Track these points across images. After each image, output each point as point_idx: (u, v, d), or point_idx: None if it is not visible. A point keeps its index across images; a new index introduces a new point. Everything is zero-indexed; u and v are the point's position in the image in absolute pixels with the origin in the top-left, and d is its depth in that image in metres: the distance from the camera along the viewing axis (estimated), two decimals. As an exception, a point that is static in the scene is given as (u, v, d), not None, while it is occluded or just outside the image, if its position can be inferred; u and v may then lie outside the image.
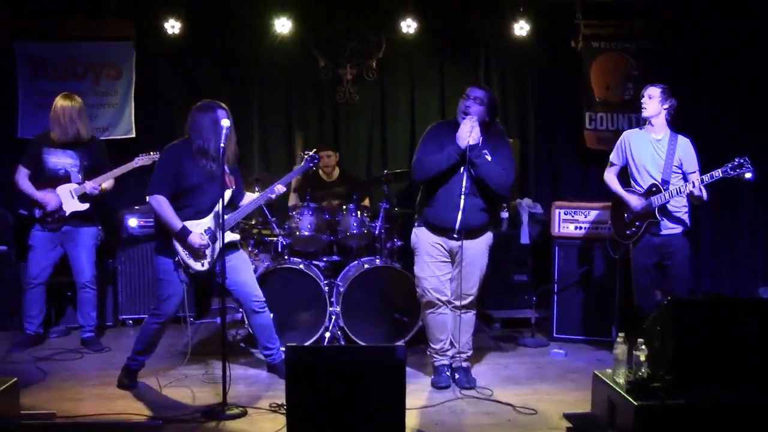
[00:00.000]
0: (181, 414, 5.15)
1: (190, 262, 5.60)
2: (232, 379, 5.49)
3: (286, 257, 7.10)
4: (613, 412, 4.45)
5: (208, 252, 5.62)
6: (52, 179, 6.69)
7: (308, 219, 7.07)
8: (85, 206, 6.76)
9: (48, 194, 6.66)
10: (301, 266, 6.88)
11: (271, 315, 6.04)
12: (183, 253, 5.58)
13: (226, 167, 5.51)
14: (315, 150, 6.45)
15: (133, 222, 7.86)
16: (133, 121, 8.26)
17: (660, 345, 4.47)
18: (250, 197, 6.06)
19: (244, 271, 5.86)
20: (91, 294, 6.98)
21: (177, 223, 5.49)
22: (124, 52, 8.24)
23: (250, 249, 7.47)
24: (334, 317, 6.86)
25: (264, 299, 5.91)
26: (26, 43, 8.14)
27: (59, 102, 6.68)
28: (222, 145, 5.28)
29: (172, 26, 8.11)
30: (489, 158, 5.59)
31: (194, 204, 5.58)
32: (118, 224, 7.92)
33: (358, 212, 7.17)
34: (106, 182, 6.79)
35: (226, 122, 5.36)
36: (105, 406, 5.36)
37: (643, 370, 4.41)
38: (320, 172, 8.08)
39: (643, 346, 4.46)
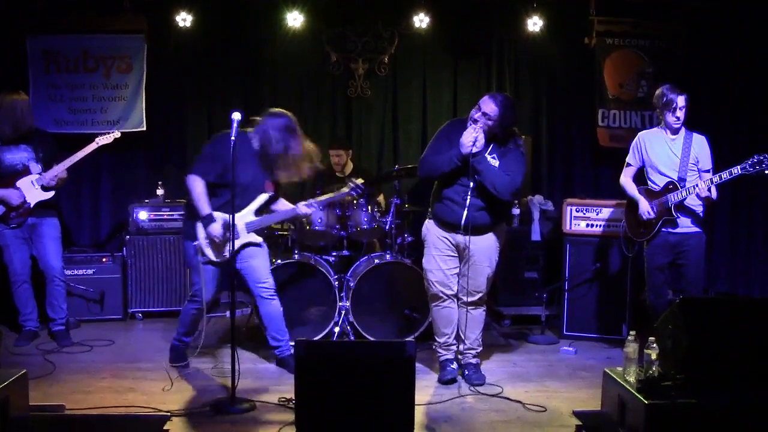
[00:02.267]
0: (190, 407, 5.16)
1: (207, 250, 5.85)
2: (242, 373, 5.48)
3: (296, 252, 7.08)
4: (623, 411, 4.42)
5: (226, 247, 5.78)
6: (11, 176, 6.61)
7: (319, 214, 7.04)
8: (50, 194, 6.69)
9: (9, 190, 6.58)
10: (311, 261, 6.86)
11: (281, 309, 6.10)
12: (203, 239, 5.82)
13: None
14: (362, 181, 6.49)
15: (142, 215, 7.86)
16: (144, 114, 8.24)
17: (672, 344, 4.43)
18: (284, 204, 6.20)
19: (258, 257, 6.02)
20: (62, 287, 6.94)
21: (206, 207, 5.74)
22: (136, 45, 8.21)
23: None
24: (343, 312, 6.85)
25: (275, 287, 6.04)
26: (38, 36, 8.11)
27: (8, 98, 6.58)
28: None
29: (184, 20, 8.09)
30: (497, 162, 5.59)
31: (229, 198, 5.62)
32: (128, 217, 7.93)
33: (369, 207, 7.15)
34: (62, 172, 6.70)
35: (237, 115, 5.33)
36: (114, 398, 5.37)
37: (654, 369, 4.38)
38: (333, 167, 8.06)
39: (655, 345, 4.43)
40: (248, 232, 5.91)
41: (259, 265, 6.01)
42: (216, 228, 5.73)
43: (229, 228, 5.52)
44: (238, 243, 5.83)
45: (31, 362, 6.15)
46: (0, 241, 6.75)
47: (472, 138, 5.43)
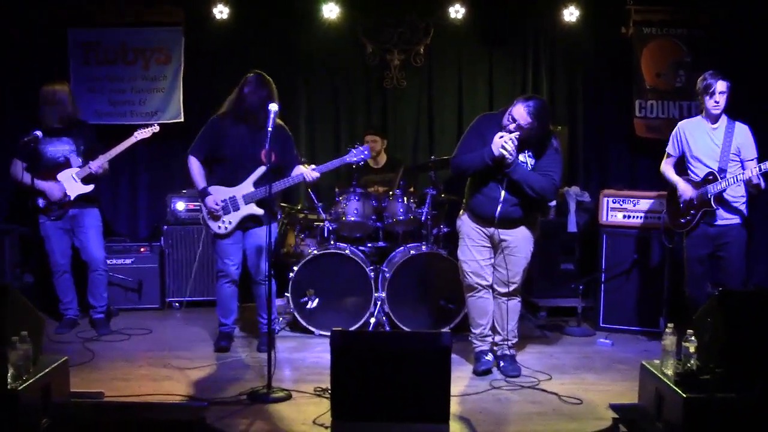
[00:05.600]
0: (227, 396, 5.20)
1: (210, 222, 6.21)
2: (277, 362, 5.53)
3: (332, 242, 7.11)
4: (660, 404, 4.39)
5: (226, 218, 6.14)
6: (53, 168, 6.71)
7: (355, 204, 7.07)
8: (90, 188, 6.79)
9: (50, 184, 6.67)
10: (347, 251, 6.89)
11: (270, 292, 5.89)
12: (204, 213, 6.21)
13: (267, 144, 5.64)
14: (365, 143, 6.45)
15: (180, 205, 7.94)
16: (182, 105, 8.32)
17: (710, 337, 4.40)
18: (300, 169, 6.23)
19: (257, 240, 6.21)
20: (104, 276, 7.04)
21: (200, 183, 6.20)
22: (174, 37, 8.30)
23: (296, 234, 7.49)
24: (379, 303, 6.87)
25: (266, 273, 5.98)
26: (78, 29, 8.24)
27: (52, 89, 6.69)
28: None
29: (221, 12, 8.15)
30: (532, 161, 5.58)
31: (226, 173, 6.17)
32: (165, 208, 8.01)
33: (405, 198, 7.16)
34: (106, 167, 6.81)
35: (273, 107, 5.51)
36: (152, 386, 5.44)
37: (692, 362, 4.34)
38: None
39: (693, 338, 4.39)
40: (246, 203, 6.11)
41: (256, 249, 6.23)
42: (210, 200, 6.10)
43: (225, 201, 6.11)
44: (238, 215, 6.14)
45: (71, 350, 6.24)
46: (41, 232, 6.86)
47: (499, 144, 5.37)
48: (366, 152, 6.22)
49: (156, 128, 6.95)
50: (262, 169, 6.07)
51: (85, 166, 6.70)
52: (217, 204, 6.09)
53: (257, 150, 6.04)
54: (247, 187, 6.10)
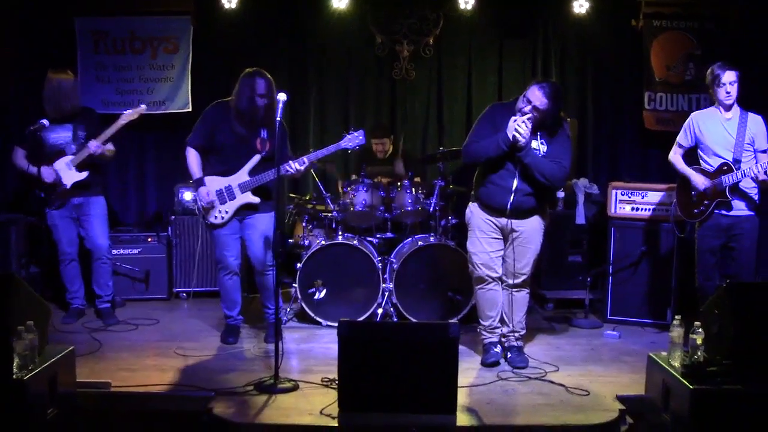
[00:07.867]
0: (234, 386, 5.20)
1: (205, 212, 6.20)
2: (284, 353, 5.53)
3: (339, 233, 7.10)
4: (667, 396, 4.40)
5: (222, 207, 6.12)
6: (54, 155, 6.66)
7: (363, 195, 7.07)
8: (84, 174, 6.69)
9: (44, 168, 6.61)
10: (355, 242, 6.87)
11: (273, 281, 6.01)
12: (199, 202, 6.20)
13: (263, 133, 5.99)
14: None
15: (187, 195, 7.93)
16: (190, 95, 8.31)
17: (718, 329, 4.39)
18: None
19: (256, 228, 6.22)
20: (108, 265, 7.02)
21: (195, 173, 6.17)
22: (182, 26, 8.29)
23: (304, 224, 7.49)
24: (387, 294, 6.86)
25: (270, 261, 6.16)
26: (87, 17, 8.23)
27: (55, 77, 6.63)
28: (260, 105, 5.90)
29: (229, 1, 8.14)
30: (544, 148, 5.54)
31: (222, 162, 6.15)
32: (173, 198, 8.02)
33: (413, 189, 7.15)
34: (109, 148, 6.73)
35: (282, 96, 5.45)
36: (159, 377, 5.43)
37: (699, 354, 4.34)
38: (374, 150, 8.08)
39: (700, 330, 4.38)
40: (242, 192, 6.10)
41: (255, 239, 6.22)
42: (203, 191, 6.09)
43: (221, 191, 6.10)
44: (234, 204, 6.12)
45: (77, 340, 6.24)
46: (48, 221, 6.85)
47: (513, 128, 5.35)
48: (361, 137, 6.21)
49: (142, 109, 6.77)
50: (257, 158, 6.09)
51: (79, 152, 6.62)
52: (209, 195, 6.08)
53: (252, 139, 6.10)
54: (242, 176, 6.09)
